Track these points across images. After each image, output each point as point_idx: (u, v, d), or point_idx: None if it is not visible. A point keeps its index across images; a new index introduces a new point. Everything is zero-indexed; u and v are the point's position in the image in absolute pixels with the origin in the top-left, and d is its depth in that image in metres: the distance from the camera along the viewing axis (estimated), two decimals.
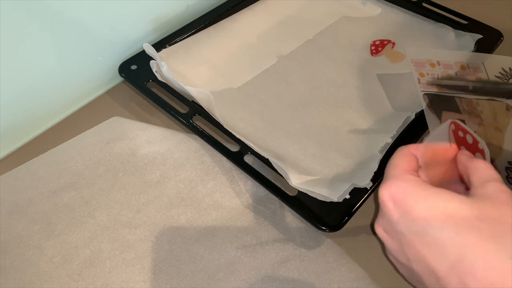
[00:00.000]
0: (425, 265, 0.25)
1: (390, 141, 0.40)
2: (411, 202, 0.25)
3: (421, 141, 0.40)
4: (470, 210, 0.24)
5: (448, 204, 0.24)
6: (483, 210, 0.24)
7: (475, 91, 0.39)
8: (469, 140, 0.29)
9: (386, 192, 0.27)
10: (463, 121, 0.34)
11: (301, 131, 0.43)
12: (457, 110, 0.41)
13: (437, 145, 0.30)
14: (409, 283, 0.30)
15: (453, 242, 0.23)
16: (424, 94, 0.41)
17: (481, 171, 0.26)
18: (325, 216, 0.35)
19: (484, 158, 0.29)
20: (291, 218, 0.38)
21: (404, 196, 0.26)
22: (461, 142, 0.30)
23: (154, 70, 0.47)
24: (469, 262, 0.23)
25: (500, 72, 0.44)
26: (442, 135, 0.31)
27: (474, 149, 0.29)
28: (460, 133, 0.30)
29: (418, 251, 0.25)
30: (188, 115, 0.43)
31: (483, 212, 0.24)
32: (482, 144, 0.28)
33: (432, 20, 0.53)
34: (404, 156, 0.29)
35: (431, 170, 0.29)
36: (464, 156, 0.29)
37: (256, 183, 0.39)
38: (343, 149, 0.41)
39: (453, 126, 0.30)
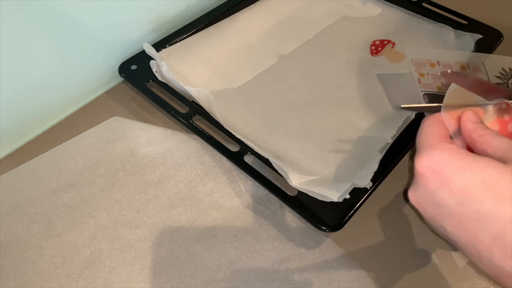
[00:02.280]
0: (464, 236, 0.24)
1: (390, 141, 0.40)
2: (448, 174, 0.25)
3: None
4: (510, 182, 0.23)
5: (486, 175, 0.23)
6: None
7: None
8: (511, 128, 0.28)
9: (422, 164, 0.26)
10: None
11: (301, 131, 0.43)
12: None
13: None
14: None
15: (494, 216, 0.23)
16: (424, 94, 0.41)
17: None
18: (325, 216, 0.35)
19: None
20: (291, 218, 0.38)
21: (441, 167, 0.25)
22: (500, 124, 0.29)
23: (154, 70, 0.47)
24: None
25: (500, 72, 0.44)
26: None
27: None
28: (506, 116, 0.29)
29: (457, 223, 0.24)
30: (188, 115, 0.43)
31: None
32: None
33: (432, 20, 0.53)
34: (434, 124, 0.28)
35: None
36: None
37: (256, 183, 0.39)
38: (343, 149, 0.41)
39: (504, 106, 0.29)
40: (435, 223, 0.27)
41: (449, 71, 0.40)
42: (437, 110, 0.30)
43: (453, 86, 0.31)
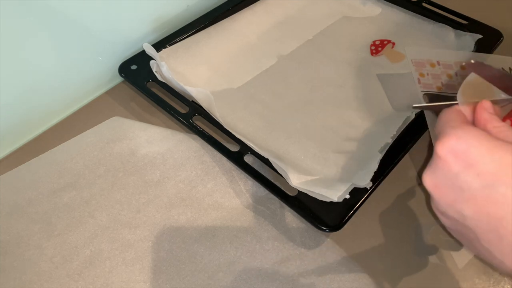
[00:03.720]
0: (486, 221, 0.24)
1: (390, 141, 0.40)
2: (475, 155, 0.24)
3: (421, 142, 0.41)
4: None
5: None
6: None
7: None
8: None
9: (445, 145, 0.25)
10: None
11: (301, 131, 0.43)
12: None
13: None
14: (452, 237, 0.29)
15: None
16: (424, 94, 0.41)
17: None
18: (325, 216, 0.35)
19: None
20: (291, 218, 0.38)
21: (467, 148, 0.24)
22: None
23: (154, 70, 0.47)
24: None
25: None
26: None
27: None
28: None
29: (481, 207, 0.24)
30: (188, 115, 0.43)
31: None
32: None
33: (432, 20, 0.53)
34: (454, 111, 0.27)
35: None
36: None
37: (256, 183, 0.39)
38: (343, 149, 0.41)
39: None
40: (452, 208, 0.25)
41: (472, 61, 0.39)
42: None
43: (472, 75, 0.29)
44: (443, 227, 0.34)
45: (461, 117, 0.27)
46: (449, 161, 0.25)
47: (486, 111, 0.27)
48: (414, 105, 0.33)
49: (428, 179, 0.27)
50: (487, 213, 0.24)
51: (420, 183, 0.40)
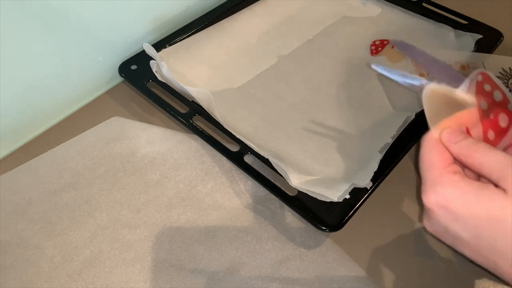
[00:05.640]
0: (484, 262, 0.25)
1: (390, 141, 0.40)
2: (456, 210, 0.25)
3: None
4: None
5: (491, 211, 0.23)
6: None
7: None
8: (498, 97, 0.26)
9: (429, 201, 0.26)
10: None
11: (301, 131, 0.43)
12: None
13: (459, 115, 0.27)
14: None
15: (509, 249, 0.23)
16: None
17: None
18: (325, 216, 0.35)
19: (510, 121, 0.26)
20: (291, 218, 0.38)
21: (447, 203, 0.25)
22: (484, 96, 0.26)
23: (154, 70, 0.47)
24: None
25: (500, 72, 0.44)
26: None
27: (498, 109, 0.26)
28: (487, 87, 0.26)
29: (475, 252, 0.25)
30: (188, 115, 0.43)
31: None
32: None
33: (432, 20, 0.53)
34: (434, 148, 0.27)
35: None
36: (480, 153, 0.25)
37: (256, 183, 0.39)
38: (343, 149, 0.41)
39: (480, 77, 0.26)
40: (455, 248, 0.27)
41: (398, 39, 0.36)
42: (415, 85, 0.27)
43: (426, 91, 0.28)
44: None
45: (442, 157, 0.27)
46: (437, 212, 0.26)
47: (451, 143, 0.27)
48: (373, 65, 0.30)
49: (427, 224, 0.28)
50: (481, 256, 0.25)
51: (420, 183, 0.40)
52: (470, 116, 0.28)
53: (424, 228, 0.30)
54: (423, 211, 0.28)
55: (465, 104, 0.27)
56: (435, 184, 0.26)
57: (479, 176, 0.28)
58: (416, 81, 0.28)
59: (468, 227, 0.25)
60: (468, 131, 0.27)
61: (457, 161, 0.27)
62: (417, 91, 0.28)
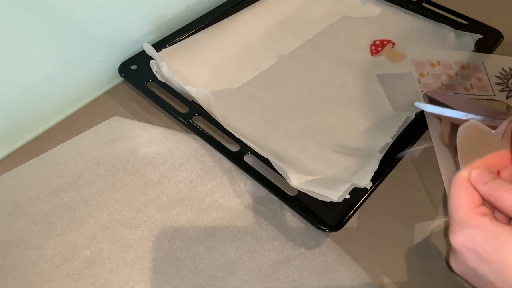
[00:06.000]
0: None
1: (390, 141, 0.40)
2: (484, 253, 0.25)
3: (420, 142, 0.41)
4: None
5: None
6: None
7: None
8: None
9: (457, 242, 0.26)
10: None
11: (301, 131, 0.43)
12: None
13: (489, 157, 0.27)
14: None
15: None
16: (424, 94, 0.41)
17: None
18: (325, 216, 0.35)
19: None
20: (291, 218, 0.38)
21: (475, 246, 0.25)
22: None
23: (154, 70, 0.47)
24: None
25: (500, 72, 0.44)
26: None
27: None
28: None
29: None
30: (188, 115, 0.43)
31: None
32: None
33: (432, 20, 0.53)
34: (462, 189, 0.27)
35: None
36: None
37: (256, 183, 0.39)
38: (343, 149, 0.41)
39: None
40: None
41: (434, 87, 0.38)
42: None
43: (462, 128, 0.27)
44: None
45: (470, 198, 0.26)
46: (465, 254, 0.26)
47: (480, 184, 0.27)
48: (416, 103, 0.32)
49: (454, 265, 0.28)
50: None
51: (420, 183, 0.40)
52: (502, 158, 0.28)
53: (450, 268, 0.30)
54: (450, 251, 0.28)
55: (498, 146, 0.28)
56: (464, 226, 0.26)
57: (510, 219, 0.27)
58: (463, 115, 0.29)
59: (497, 270, 0.24)
60: (498, 173, 0.27)
61: (486, 202, 0.27)
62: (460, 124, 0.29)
